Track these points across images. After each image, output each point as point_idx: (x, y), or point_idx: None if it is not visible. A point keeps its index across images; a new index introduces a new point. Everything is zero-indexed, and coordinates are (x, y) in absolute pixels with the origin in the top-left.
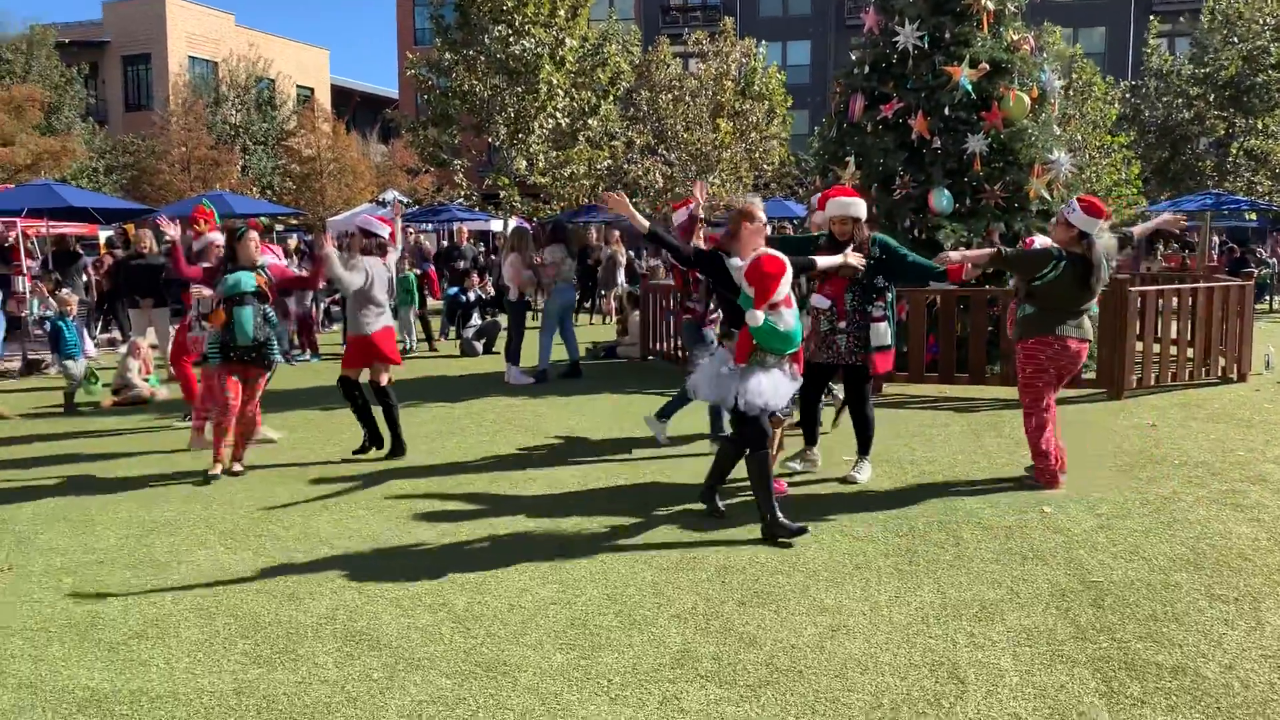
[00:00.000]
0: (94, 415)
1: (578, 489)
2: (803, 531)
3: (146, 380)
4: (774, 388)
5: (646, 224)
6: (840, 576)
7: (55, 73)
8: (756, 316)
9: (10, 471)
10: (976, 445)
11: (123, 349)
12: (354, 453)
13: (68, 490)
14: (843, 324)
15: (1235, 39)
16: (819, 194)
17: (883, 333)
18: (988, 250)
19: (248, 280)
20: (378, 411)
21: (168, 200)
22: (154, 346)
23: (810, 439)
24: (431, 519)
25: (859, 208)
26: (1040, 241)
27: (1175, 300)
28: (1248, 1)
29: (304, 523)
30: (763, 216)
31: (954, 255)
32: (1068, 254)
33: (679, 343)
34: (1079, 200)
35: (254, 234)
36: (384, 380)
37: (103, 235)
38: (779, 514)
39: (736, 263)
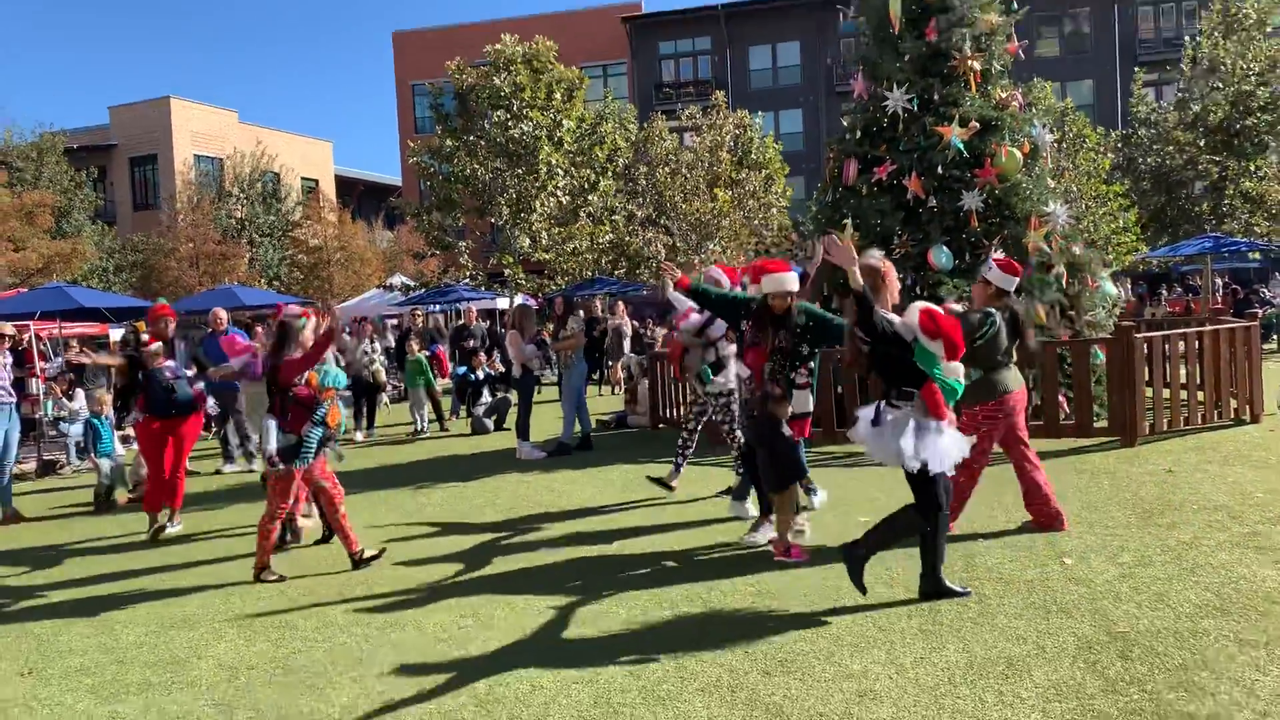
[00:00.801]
0: (110, 514)
1: (593, 562)
2: (967, 594)
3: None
4: (960, 446)
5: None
6: (864, 640)
7: (65, 177)
8: (956, 369)
9: (30, 573)
10: (994, 498)
11: (135, 446)
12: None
13: (87, 590)
14: (759, 393)
15: (1219, 84)
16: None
17: (805, 399)
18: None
19: (337, 373)
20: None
21: (178, 296)
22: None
23: (766, 508)
24: (448, 599)
25: (794, 282)
26: (954, 309)
27: (1182, 344)
28: (1227, 49)
29: (320, 612)
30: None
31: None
32: (998, 310)
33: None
34: (995, 260)
35: (311, 320)
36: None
37: (114, 334)
38: (944, 577)
39: (896, 319)
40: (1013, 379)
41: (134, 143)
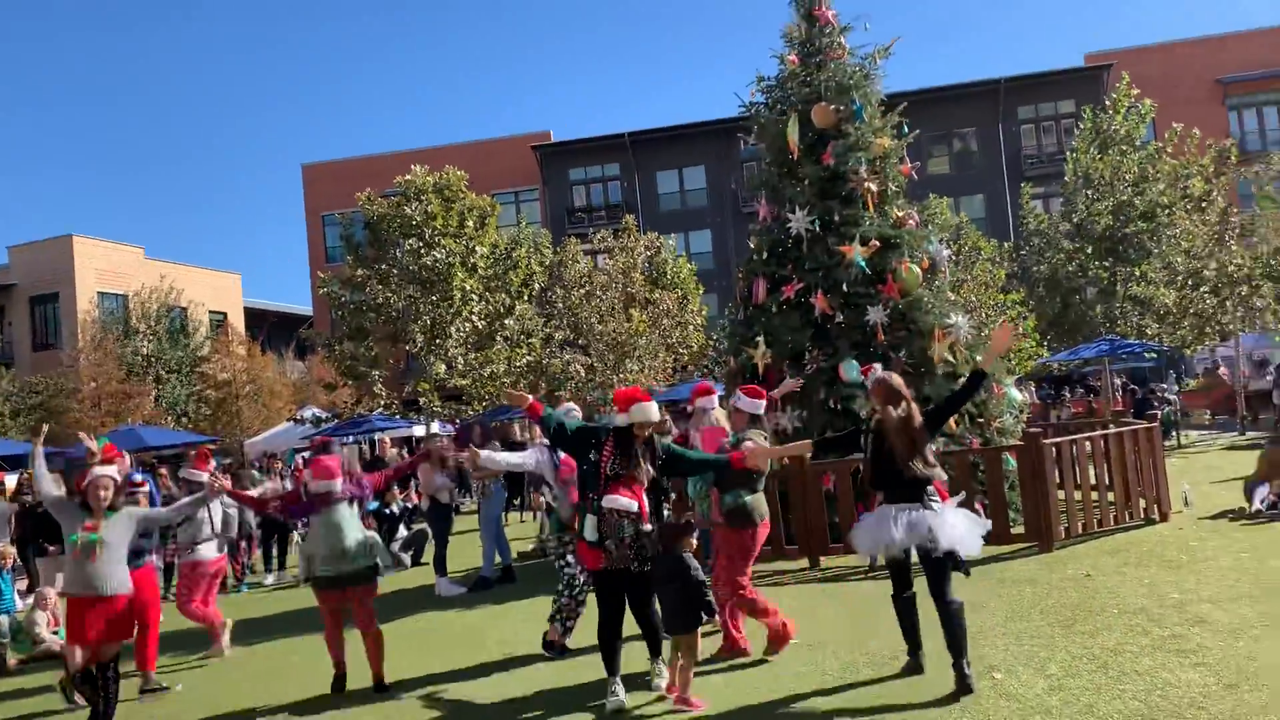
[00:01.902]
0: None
1: (517, 704)
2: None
3: (55, 633)
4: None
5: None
6: None
7: None
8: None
9: None
10: (920, 613)
11: (29, 600)
12: None
13: None
14: (647, 526)
15: (1099, 196)
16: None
17: None
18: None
19: None
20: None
21: (78, 440)
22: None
23: (657, 650)
24: None
25: (655, 411)
26: (695, 439)
27: (1089, 446)
28: (1105, 162)
29: None
30: None
31: (747, 445)
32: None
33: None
34: (741, 390)
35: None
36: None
37: (9, 480)
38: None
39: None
40: (764, 505)
41: (34, 282)
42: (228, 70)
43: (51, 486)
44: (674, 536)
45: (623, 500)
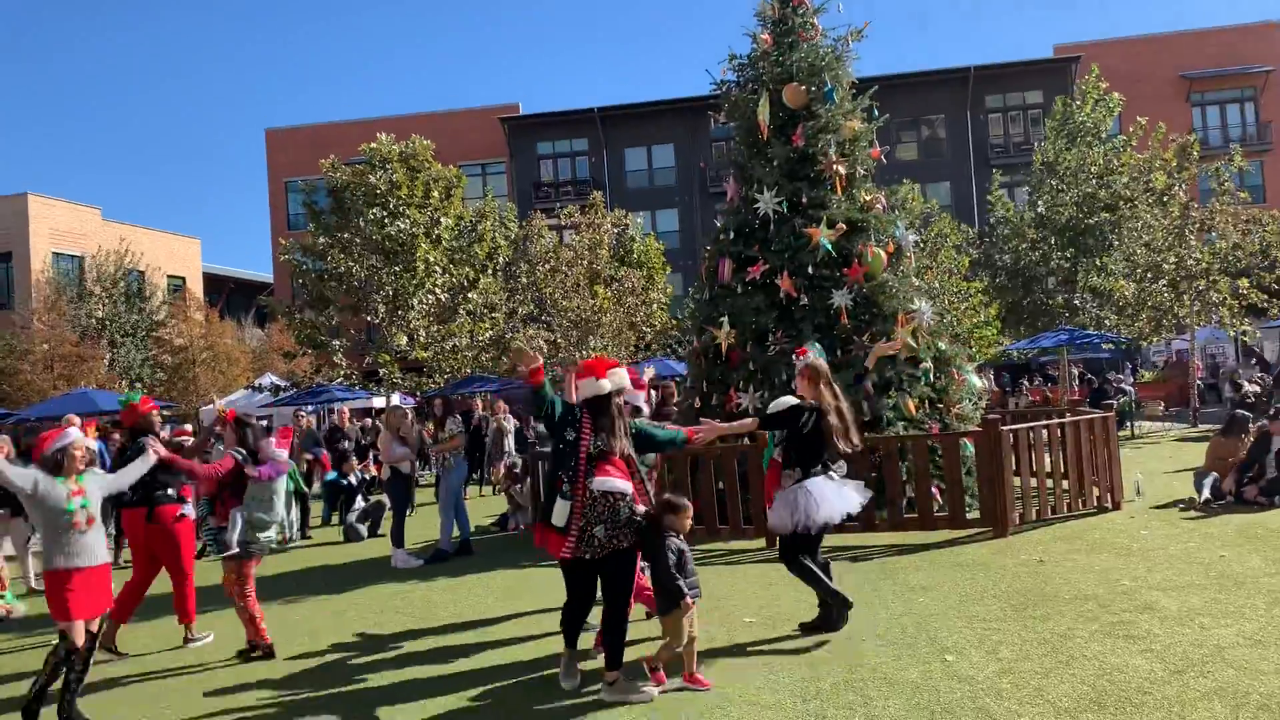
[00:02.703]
0: None
1: (471, 677)
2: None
3: (1, 597)
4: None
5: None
6: None
7: None
8: None
9: None
10: (874, 595)
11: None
12: None
13: None
14: (641, 508)
15: (1063, 186)
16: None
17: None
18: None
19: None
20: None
21: (30, 401)
22: (10, 558)
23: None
24: None
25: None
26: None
27: (1045, 434)
28: (1071, 154)
29: None
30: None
31: (702, 427)
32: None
33: None
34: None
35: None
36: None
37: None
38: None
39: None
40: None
41: None
42: (193, 29)
43: (18, 473)
44: (669, 513)
45: (617, 482)
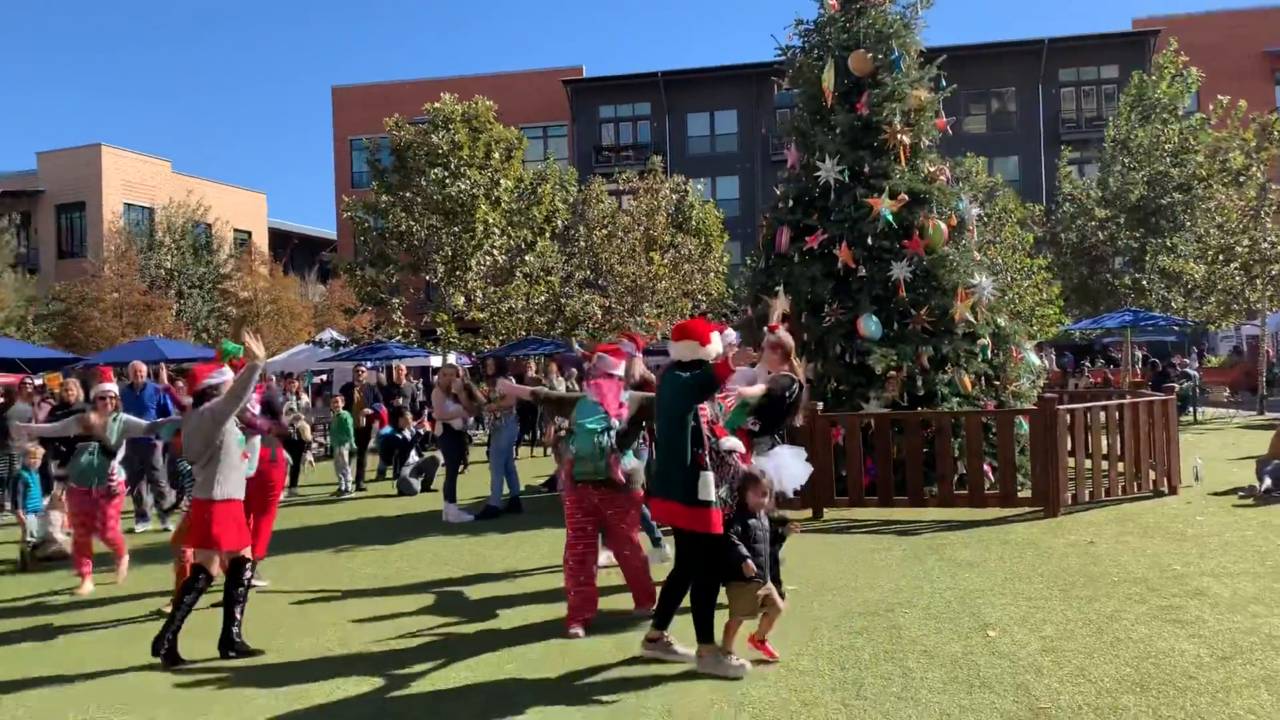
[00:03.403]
0: (12, 575)
1: (516, 632)
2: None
3: (67, 534)
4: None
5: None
6: (787, 715)
7: None
8: None
9: None
10: (920, 569)
11: (45, 501)
12: None
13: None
14: (743, 466)
15: (1135, 165)
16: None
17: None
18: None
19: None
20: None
21: (99, 347)
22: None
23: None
24: (361, 671)
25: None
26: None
27: (1103, 415)
28: (1145, 131)
29: (232, 675)
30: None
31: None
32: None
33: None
34: (602, 349)
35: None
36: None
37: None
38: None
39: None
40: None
41: (62, 189)
42: None
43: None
44: (749, 487)
45: (734, 440)
